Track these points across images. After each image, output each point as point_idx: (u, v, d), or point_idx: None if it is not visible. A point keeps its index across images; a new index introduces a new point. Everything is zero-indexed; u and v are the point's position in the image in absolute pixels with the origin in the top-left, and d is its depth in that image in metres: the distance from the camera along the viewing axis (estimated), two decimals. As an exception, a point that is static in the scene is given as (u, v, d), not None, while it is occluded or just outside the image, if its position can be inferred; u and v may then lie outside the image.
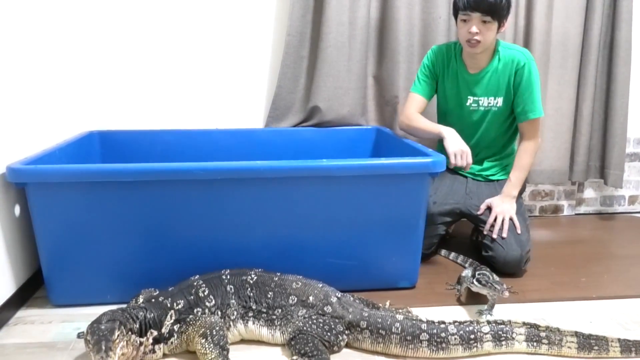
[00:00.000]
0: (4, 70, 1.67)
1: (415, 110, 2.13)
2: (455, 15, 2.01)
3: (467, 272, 1.87)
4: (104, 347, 1.25)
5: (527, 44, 2.55)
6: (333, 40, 2.37)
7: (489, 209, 2.07)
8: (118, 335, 1.31)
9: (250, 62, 2.49)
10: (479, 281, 1.70)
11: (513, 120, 2.11)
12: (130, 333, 1.37)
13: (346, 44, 2.39)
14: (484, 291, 1.70)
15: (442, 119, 2.23)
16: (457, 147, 1.95)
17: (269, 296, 1.53)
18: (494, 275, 1.87)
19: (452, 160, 1.94)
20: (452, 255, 2.17)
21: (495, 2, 1.90)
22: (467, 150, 1.94)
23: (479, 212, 2.08)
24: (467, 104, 2.10)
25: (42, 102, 1.94)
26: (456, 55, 2.10)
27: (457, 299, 1.82)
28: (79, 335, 1.55)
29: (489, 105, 2.08)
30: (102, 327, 1.31)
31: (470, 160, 1.94)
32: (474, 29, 1.93)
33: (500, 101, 2.07)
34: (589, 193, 2.89)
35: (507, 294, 1.65)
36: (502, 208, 2.04)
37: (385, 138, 2.38)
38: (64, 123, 2.14)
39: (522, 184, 2.10)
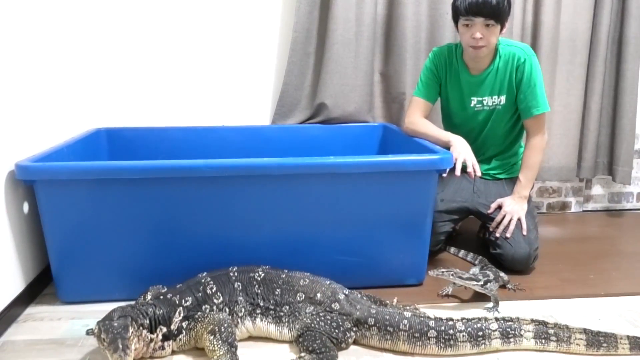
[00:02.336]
0: (11, 69, 1.68)
1: (419, 115, 2.11)
2: (456, 20, 1.99)
3: (474, 270, 1.87)
4: (121, 346, 1.26)
5: (535, 40, 2.54)
6: (340, 37, 2.36)
7: (500, 207, 2.06)
8: (132, 332, 1.32)
9: (256, 59, 2.49)
10: (460, 277, 1.71)
11: (519, 117, 2.09)
12: (141, 328, 1.38)
13: (353, 40, 2.39)
14: (469, 286, 1.73)
15: (447, 120, 2.22)
16: (462, 154, 1.88)
17: (277, 293, 1.53)
18: (500, 273, 1.86)
19: (453, 160, 1.84)
20: (462, 252, 2.16)
21: (497, 5, 1.86)
22: (472, 158, 1.90)
23: (489, 211, 2.07)
24: (471, 105, 2.09)
25: (50, 99, 1.95)
26: (457, 57, 2.08)
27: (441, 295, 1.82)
28: (87, 332, 1.55)
29: (494, 104, 2.07)
30: (115, 324, 1.31)
31: (477, 169, 1.88)
32: (478, 34, 1.90)
33: (503, 99, 2.05)
34: (597, 190, 2.88)
35: (477, 289, 1.72)
36: (512, 208, 2.02)
37: (392, 135, 2.38)
38: (71, 120, 2.14)
39: (532, 183, 2.08)
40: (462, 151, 1.90)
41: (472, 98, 2.07)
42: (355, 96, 2.45)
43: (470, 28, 1.92)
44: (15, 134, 1.69)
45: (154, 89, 2.44)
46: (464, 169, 1.93)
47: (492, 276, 1.76)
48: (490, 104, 2.06)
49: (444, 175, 1.81)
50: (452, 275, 1.71)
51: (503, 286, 1.86)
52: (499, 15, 1.88)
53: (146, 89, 2.44)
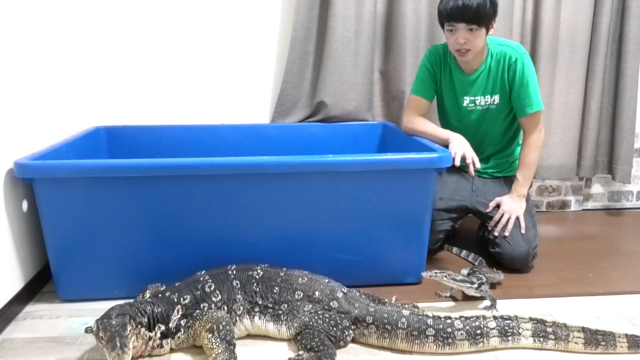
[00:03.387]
0: (11, 67, 1.68)
1: (417, 113, 2.11)
2: (442, 24, 1.98)
3: (464, 272, 1.86)
4: (118, 344, 1.26)
5: (535, 38, 2.53)
6: (339, 35, 2.36)
7: (499, 206, 2.06)
8: (130, 330, 1.32)
9: (256, 57, 2.49)
10: (454, 279, 1.71)
11: (514, 116, 2.08)
12: (140, 326, 1.38)
13: (352, 38, 2.39)
14: (462, 288, 1.74)
15: (442, 119, 2.21)
16: (460, 149, 1.90)
17: (275, 291, 1.53)
18: (492, 275, 1.85)
19: (452, 155, 1.85)
20: (464, 253, 2.13)
21: (478, 9, 1.85)
22: (470, 152, 1.90)
23: (487, 210, 2.07)
24: (464, 104, 2.08)
25: (49, 98, 1.95)
26: (451, 56, 2.07)
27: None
28: (86, 330, 1.56)
29: (487, 103, 2.06)
30: (114, 322, 1.31)
31: (475, 162, 1.89)
32: (461, 40, 1.90)
33: (497, 98, 2.05)
34: (596, 188, 2.87)
35: (471, 292, 1.73)
36: (510, 207, 2.02)
37: (392, 133, 2.38)
38: (70, 119, 2.14)
39: (530, 181, 2.08)
40: (460, 146, 1.91)
41: (465, 97, 2.07)
42: (355, 94, 2.45)
43: (454, 33, 1.92)
44: (14, 132, 1.69)
45: (154, 88, 2.44)
46: (463, 166, 1.93)
47: (484, 279, 1.76)
48: (482, 103, 2.06)
49: (457, 163, 1.81)
50: (446, 277, 1.70)
51: (493, 285, 1.86)
52: (480, 19, 1.87)
53: (146, 88, 2.44)
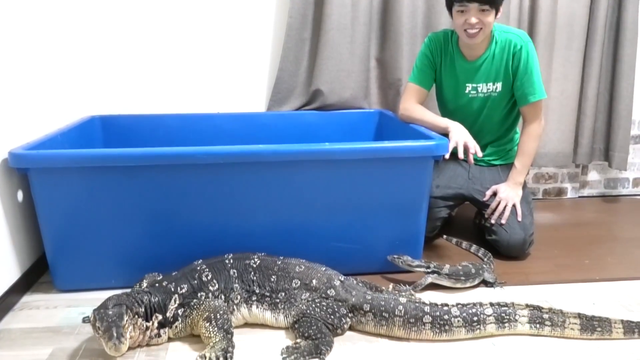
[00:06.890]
0: (5, 57, 1.66)
1: (414, 101, 2.10)
2: (449, 7, 1.97)
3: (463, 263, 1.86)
4: (115, 334, 1.26)
5: (532, 24, 2.52)
6: (335, 23, 2.34)
7: (495, 194, 2.06)
8: (127, 320, 1.32)
9: (251, 45, 2.47)
10: (409, 265, 1.77)
11: (514, 104, 2.08)
12: (137, 317, 1.38)
13: (349, 26, 2.37)
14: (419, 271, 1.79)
15: (442, 107, 2.20)
16: (462, 138, 1.88)
17: (272, 280, 1.53)
18: (484, 272, 1.83)
19: (452, 145, 1.86)
20: (474, 247, 2.09)
21: None
22: (472, 142, 1.89)
23: (484, 198, 2.07)
24: (466, 91, 2.07)
25: (44, 87, 1.94)
26: (453, 44, 2.06)
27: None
28: (84, 320, 1.56)
29: (489, 91, 2.05)
30: (110, 312, 1.31)
31: (477, 151, 1.88)
32: (473, 20, 1.89)
33: (499, 86, 2.04)
34: (593, 175, 2.88)
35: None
36: (507, 194, 2.02)
37: (388, 121, 2.37)
38: (65, 108, 2.13)
39: (527, 169, 2.08)
40: (461, 135, 1.90)
41: (467, 85, 2.06)
42: (351, 82, 2.43)
43: (464, 14, 1.91)
44: (8, 122, 1.68)
45: (149, 76, 2.43)
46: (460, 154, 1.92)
47: (445, 268, 1.75)
48: (484, 91, 2.05)
49: (446, 157, 1.80)
50: (402, 263, 1.76)
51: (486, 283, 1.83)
52: (493, 0, 1.87)
53: (141, 76, 2.42)
